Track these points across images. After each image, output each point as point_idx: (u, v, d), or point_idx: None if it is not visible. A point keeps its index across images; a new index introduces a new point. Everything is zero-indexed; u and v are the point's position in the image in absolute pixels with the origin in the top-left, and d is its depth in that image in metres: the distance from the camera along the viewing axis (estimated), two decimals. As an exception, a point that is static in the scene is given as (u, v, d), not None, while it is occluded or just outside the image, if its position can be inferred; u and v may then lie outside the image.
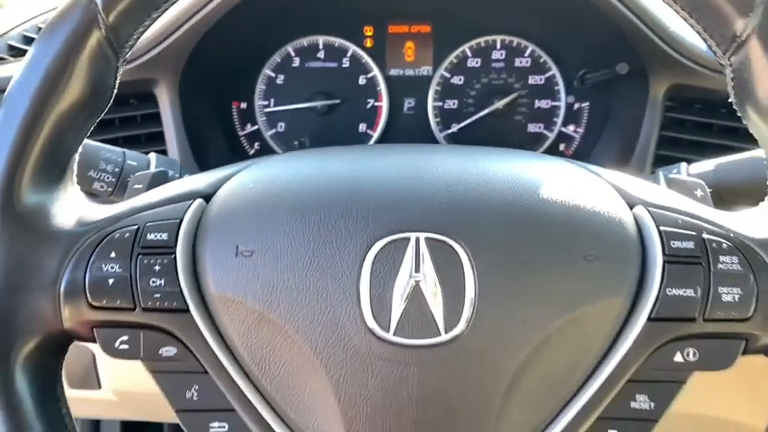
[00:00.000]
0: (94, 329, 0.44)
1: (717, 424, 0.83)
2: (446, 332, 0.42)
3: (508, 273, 0.43)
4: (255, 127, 0.88)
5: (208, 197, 0.47)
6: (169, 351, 0.45)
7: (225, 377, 0.44)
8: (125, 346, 0.45)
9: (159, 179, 0.56)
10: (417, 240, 0.43)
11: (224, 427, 0.45)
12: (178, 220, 0.45)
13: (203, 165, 0.76)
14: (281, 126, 0.88)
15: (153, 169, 0.61)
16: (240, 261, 0.44)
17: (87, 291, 0.43)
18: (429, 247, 0.42)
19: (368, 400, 0.42)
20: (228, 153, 0.85)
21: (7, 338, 0.42)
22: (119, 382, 0.79)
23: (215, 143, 0.84)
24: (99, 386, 0.80)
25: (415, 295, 0.42)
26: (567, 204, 0.45)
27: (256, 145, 0.89)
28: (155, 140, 0.76)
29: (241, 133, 0.88)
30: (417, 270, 0.42)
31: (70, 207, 0.45)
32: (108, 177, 0.58)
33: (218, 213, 0.46)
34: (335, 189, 0.45)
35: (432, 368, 0.42)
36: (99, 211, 0.46)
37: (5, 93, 0.44)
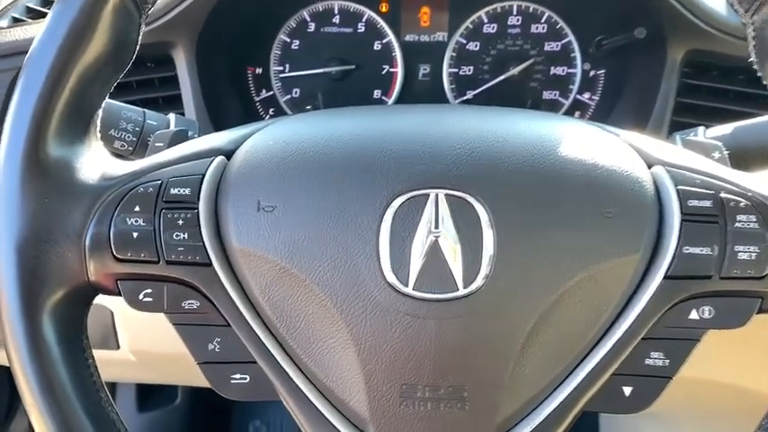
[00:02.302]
0: (119, 282, 0.45)
1: (724, 389, 0.84)
2: (464, 287, 0.42)
3: (526, 229, 0.43)
4: (270, 92, 0.88)
5: (229, 154, 0.48)
6: (192, 304, 0.46)
7: (246, 330, 0.45)
8: (149, 299, 0.45)
9: (180, 137, 0.57)
10: (437, 197, 0.43)
11: (245, 378, 0.46)
12: (200, 176, 0.46)
13: (219, 128, 0.77)
14: (296, 92, 0.88)
15: (173, 128, 0.61)
16: (262, 216, 0.44)
17: (112, 244, 0.44)
18: (448, 204, 0.43)
19: (387, 352, 0.43)
20: (244, 118, 0.85)
21: (35, 288, 0.43)
22: (137, 342, 0.81)
23: (230, 108, 0.84)
24: (117, 346, 0.81)
25: (434, 251, 0.43)
26: (586, 162, 0.45)
27: (271, 111, 0.89)
28: (172, 104, 0.76)
29: (256, 99, 0.89)
30: (436, 226, 0.43)
31: (94, 162, 0.46)
32: (129, 137, 0.58)
33: (240, 169, 0.46)
34: (356, 146, 0.46)
35: (449, 322, 0.43)
36: (122, 167, 0.47)
37: (30, 48, 0.44)
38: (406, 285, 0.42)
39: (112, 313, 0.77)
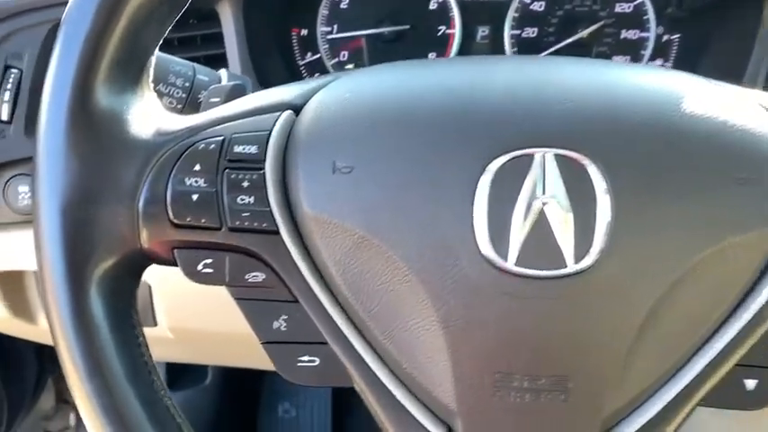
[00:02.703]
0: (175, 251, 0.40)
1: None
2: (575, 262, 0.37)
3: (648, 196, 0.37)
4: (317, 56, 0.83)
5: (297, 108, 0.42)
6: (256, 276, 0.40)
7: (316, 307, 0.40)
8: (209, 270, 0.40)
9: (237, 92, 0.51)
10: (543, 158, 0.37)
11: (314, 361, 0.41)
12: (267, 132, 0.40)
13: (267, 91, 0.71)
14: (344, 55, 0.82)
15: (229, 82, 0.56)
16: (338, 178, 0.39)
17: (169, 207, 0.39)
18: (558, 166, 0.37)
19: (480, 336, 0.38)
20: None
21: (82, 256, 0.38)
22: (176, 319, 0.76)
23: (276, 73, 0.79)
24: (155, 323, 0.76)
25: (540, 220, 0.37)
26: (714, 120, 0.39)
27: (317, 76, 0.83)
28: (214, 64, 0.71)
29: (301, 63, 0.83)
30: (543, 191, 0.37)
31: (148, 114, 0.41)
32: (178, 92, 0.53)
33: (312, 126, 0.41)
34: (447, 98, 0.40)
35: (556, 303, 0.37)
36: (179, 121, 0.41)
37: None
38: (505, 260, 0.37)
39: (150, 287, 0.72)
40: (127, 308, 0.40)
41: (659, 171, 0.37)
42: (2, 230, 0.68)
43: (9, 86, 0.62)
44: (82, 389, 0.38)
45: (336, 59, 0.83)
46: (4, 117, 0.62)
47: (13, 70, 0.63)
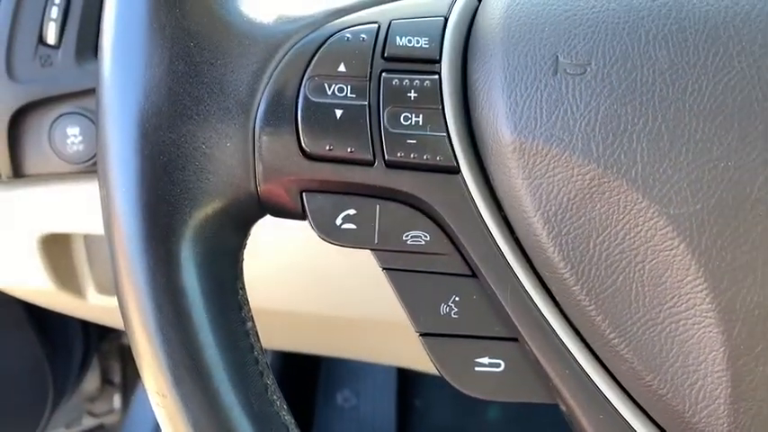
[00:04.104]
0: (304, 195, 0.27)
1: None
2: None
3: None
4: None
5: None
6: (419, 238, 0.27)
7: (509, 284, 0.27)
8: (351, 226, 0.27)
9: None
10: None
11: (498, 365, 0.28)
12: (443, 18, 0.27)
13: None
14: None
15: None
16: (562, 83, 0.25)
17: (300, 128, 0.26)
18: None
19: None
20: None
21: (170, 200, 0.25)
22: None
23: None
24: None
25: None
26: None
27: None
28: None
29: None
30: None
31: None
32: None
33: (516, 3, 0.27)
34: None
35: None
36: (312, 3, 0.28)
37: None
38: None
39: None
40: (232, 278, 0.27)
41: None
42: (45, 184, 0.56)
43: (57, 1, 0.49)
44: (169, 393, 0.26)
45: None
46: (51, 40, 0.50)
47: (63, -19, 0.50)
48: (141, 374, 0.27)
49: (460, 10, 0.27)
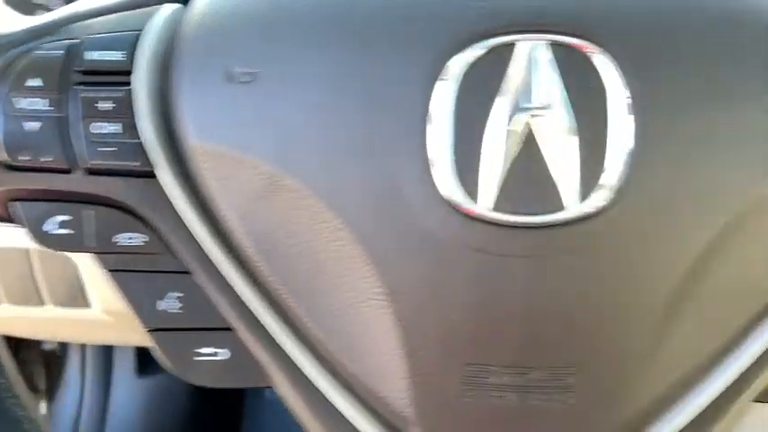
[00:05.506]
0: (14, 203, 0.29)
1: None
2: (580, 201, 0.25)
3: (685, 105, 0.25)
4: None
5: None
6: (132, 239, 0.29)
7: (216, 279, 0.29)
8: (63, 231, 0.29)
9: None
10: (531, 50, 0.25)
11: (216, 354, 0.30)
12: (136, 32, 0.28)
13: None
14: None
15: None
16: (236, 91, 0.27)
17: (1, 140, 0.28)
18: (552, 60, 0.25)
19: (443, 315, 0.26)
20: None
21: None
22: (110, 300, 0.64)
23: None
24: (88, 305, 0.65)
25: (527, 143, 0.25)
26: None
27: None
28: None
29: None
30: (529, 99, 0.25)
31: None
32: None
33: (199, 18, 0.29)
34: None
35: (551, 263, 0.25)
36: (19, 21, 0.30)
37: None
38: (475, 201, 0.25)
39: (76, 265, 0.61)
40: None
41: (701, 69, 0.25)
42: None
43: None
44: None
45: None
46: None
47: None
48: None
49: (156, 24, 0.29)
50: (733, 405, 0.29)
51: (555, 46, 0.25)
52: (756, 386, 0.29)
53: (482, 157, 0.25)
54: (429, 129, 0.26)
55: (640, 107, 0.25)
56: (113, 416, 1.12)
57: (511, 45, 0.26)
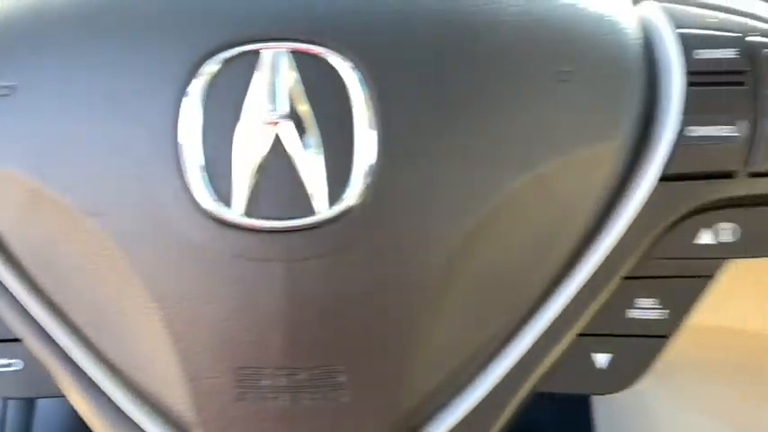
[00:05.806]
0: None
1: (729, 335, 0.69)
2: (329, 206, 0.26)
3: (432, 106, 0.26)
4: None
5: None
6: None
7: (1, 290, 0.29)
8: None
9: None
10: (276, 56, 0.26)
11: (8, 365, 0.30)
12: None
13: None
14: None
15: None
16: None
17: None
18: (296, 67, 0.26)
19: (210, 321, 0.27)
20: None
21: None
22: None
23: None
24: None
25: (275, 149, 0.26)
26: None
27: None
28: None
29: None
30: (275, 107, 0.25)
31: None
32: None
33: None
34: None
35: (307, 265, 0.26)
36: None
37: None
38: (229, 206, 0.26)
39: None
40: None
41: (447, 70, 0.26)
42: None
43: None
44: None
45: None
46: None
47: None
48: None
49: None
50: (511, 399, 0.30)
51: (296, 54, 0.26)
52: (533, 378, 0.30)
53: (233, 164, 0.26)
54: (180, 136, 0.26)
55: (386, 110, 0.26)
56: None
57: (256, 53, 0.26)
